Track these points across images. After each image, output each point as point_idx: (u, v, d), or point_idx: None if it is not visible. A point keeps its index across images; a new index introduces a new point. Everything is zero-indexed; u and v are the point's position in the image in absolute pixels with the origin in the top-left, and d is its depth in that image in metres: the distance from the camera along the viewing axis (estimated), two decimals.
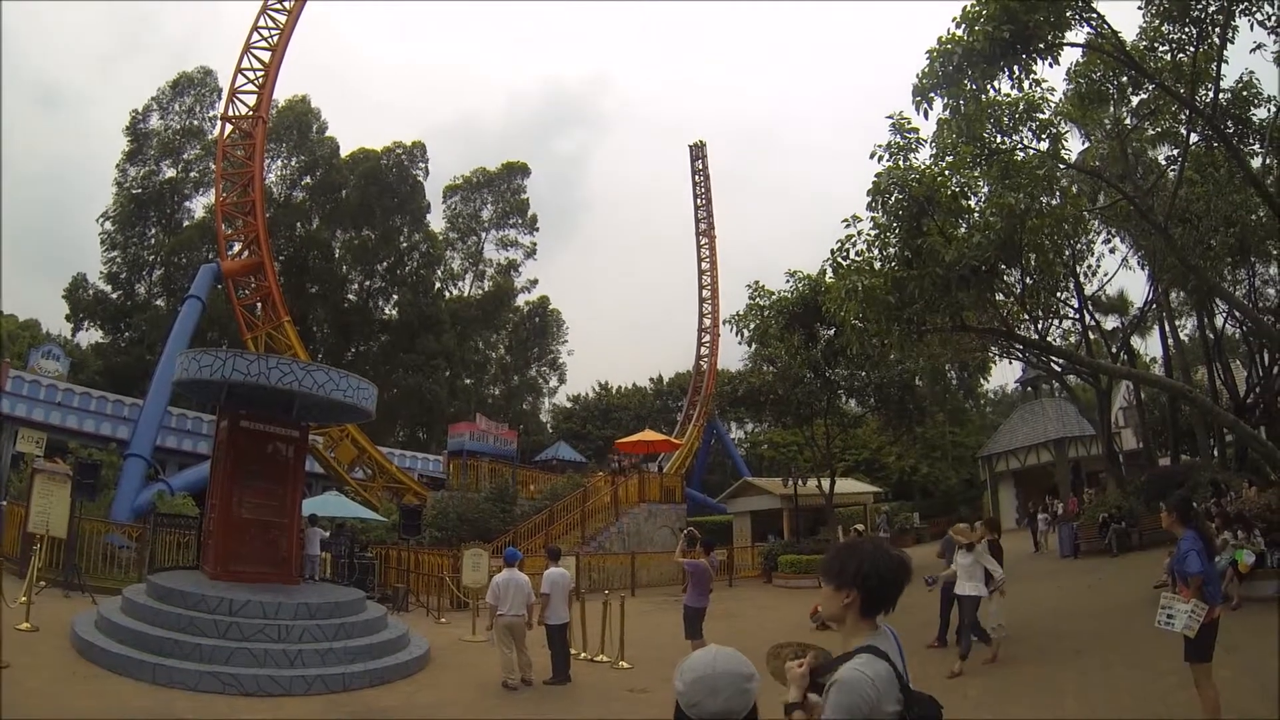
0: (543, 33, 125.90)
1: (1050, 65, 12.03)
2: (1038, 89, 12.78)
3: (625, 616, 11.37)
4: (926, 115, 12.72)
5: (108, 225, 44.24)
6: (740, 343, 23.68)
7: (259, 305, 29.56)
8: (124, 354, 41.62)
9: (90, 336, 45.93)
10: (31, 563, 10.63)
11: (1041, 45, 11.73)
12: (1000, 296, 15.94)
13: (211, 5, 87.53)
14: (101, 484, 17.73)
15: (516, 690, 9.34)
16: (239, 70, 30.11)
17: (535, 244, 57.69)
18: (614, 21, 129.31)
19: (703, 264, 51.35)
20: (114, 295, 43.95)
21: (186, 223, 45.01)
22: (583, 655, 11.47)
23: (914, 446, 40.26)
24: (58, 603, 11.97)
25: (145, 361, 36.03)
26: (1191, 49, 12.47)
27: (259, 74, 30.34)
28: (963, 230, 12.81)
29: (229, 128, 30.03)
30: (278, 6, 31.25)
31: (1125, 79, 13.70)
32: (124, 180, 44.63)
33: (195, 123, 45.71)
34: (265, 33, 30.84)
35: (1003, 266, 13.36)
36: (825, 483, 25.40)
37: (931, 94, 12.43)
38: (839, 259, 13.56)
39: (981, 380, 32.14)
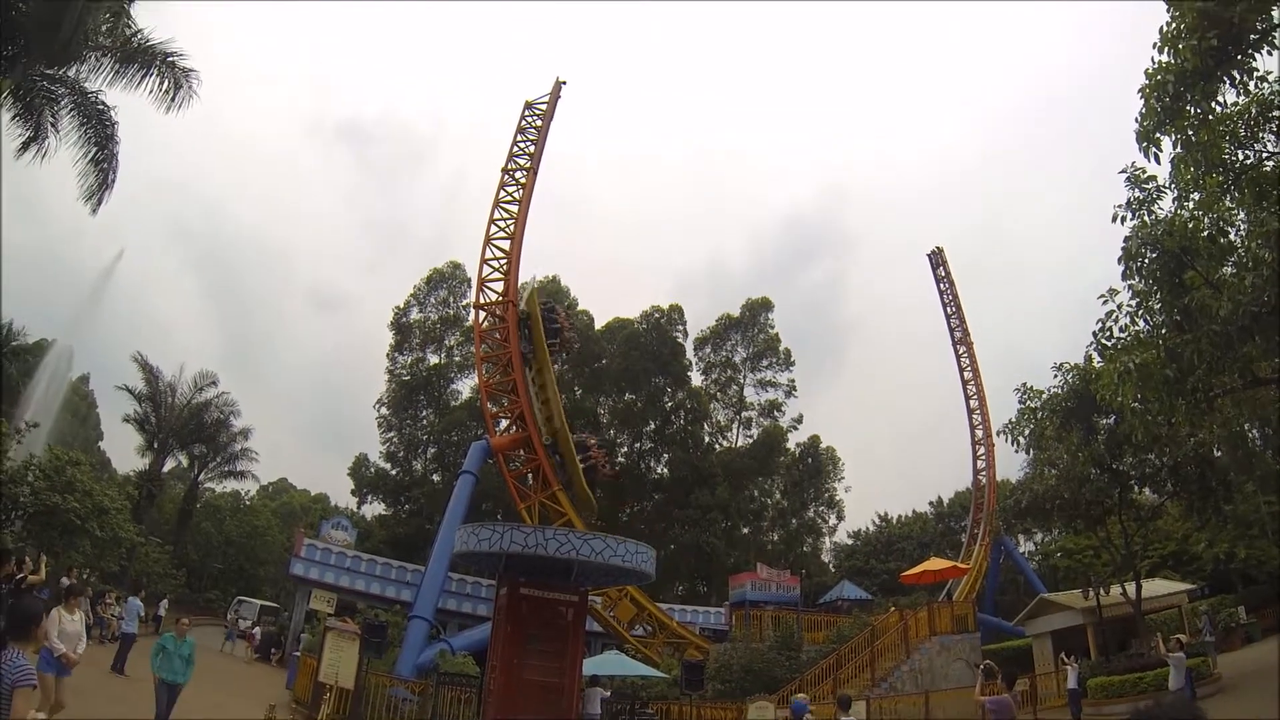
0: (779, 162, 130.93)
1: (1270, 53, 10.75)
2: (1263, 86, 11.24)
3: None
4: (1157, 159, 11.72)
5: (383, 410, 50.31)
6: (1017, 451, 22.32)
7: (529, 476, 31.80)
8: (404, 524, 46.06)
9: (373, 509, 51.58)
10: (321, 710, 11.63)
11: (1254, 36, 10.54)
12: None
13: (453, 207, 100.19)
14: (387, 642, 19.36)
15: None
16: (484, 261, 33.99)
17: (793, 380, 55.84)
18: (846, 135, 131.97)
19: (964, 373, 49.67)
20: (393, 472, 49.19)
21: (454, 403, 49.89)
22: None
23: (1225, 528, 34.79)
24: None
25: (424, 530, 39.59)
26: None
27: (502, 262, 33.97)
28: (1229, 270, 11.54)
29: (483, 315, 33.51)
30: (508, 197, 35.31)
31: None
32: (394, 368, 50.88)
33: (451, 312, 51.47)
34: (502, 224, 34.85)
35: None
36: (1130, 588, 22.68)
37: (1156, 133, 11.44)
38: (1102, 340, 12.72)
39: None
